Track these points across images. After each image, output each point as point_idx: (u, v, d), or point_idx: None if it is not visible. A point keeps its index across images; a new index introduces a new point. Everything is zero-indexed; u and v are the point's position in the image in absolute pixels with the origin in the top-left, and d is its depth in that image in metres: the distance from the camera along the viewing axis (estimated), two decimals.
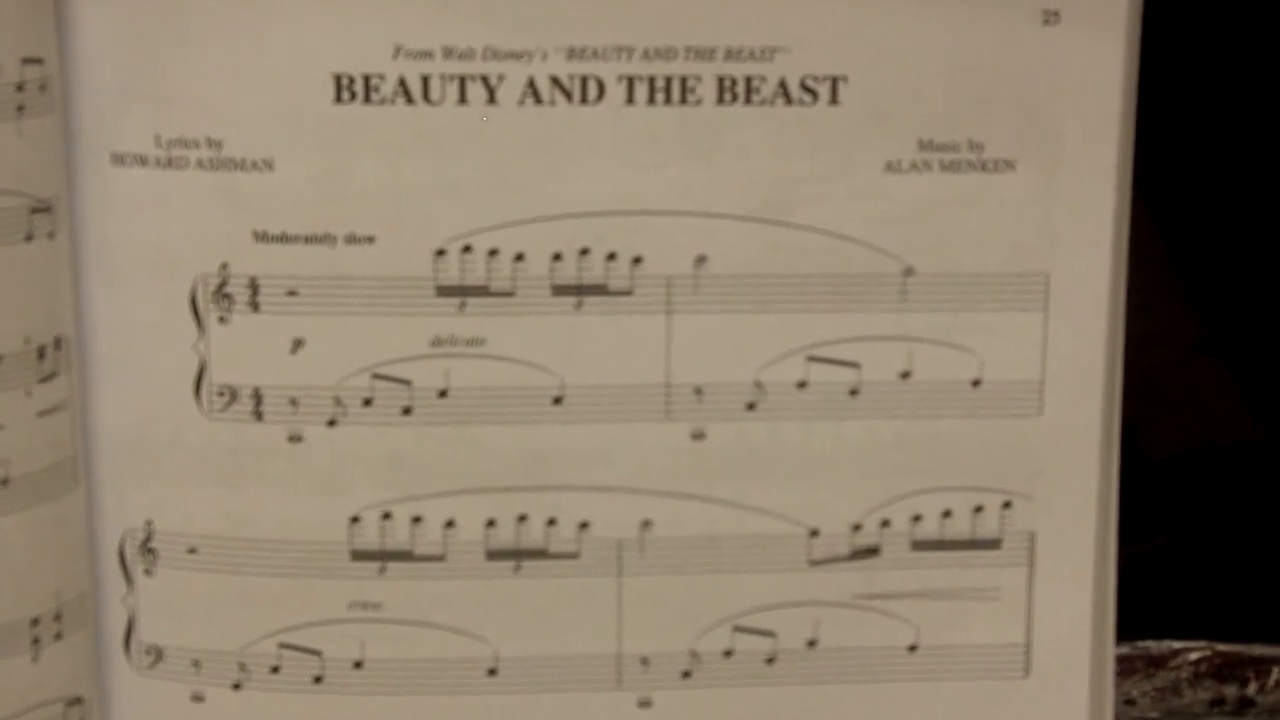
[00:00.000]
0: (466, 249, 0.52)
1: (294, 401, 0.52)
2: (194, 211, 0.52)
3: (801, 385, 0.54)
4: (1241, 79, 0.75)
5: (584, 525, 0.54)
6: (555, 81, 0.51)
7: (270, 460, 0.53)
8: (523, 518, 0.53)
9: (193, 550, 0.53)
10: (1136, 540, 0.62)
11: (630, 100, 0.52)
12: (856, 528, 0.54)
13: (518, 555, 0.54)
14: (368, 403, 0.53)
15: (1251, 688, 0.63)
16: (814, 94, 0.52)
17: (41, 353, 0.52)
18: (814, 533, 0.54)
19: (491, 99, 0.51)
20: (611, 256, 0.52)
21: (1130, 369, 0.55)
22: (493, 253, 0.52)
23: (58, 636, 0.53)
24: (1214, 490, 0.73)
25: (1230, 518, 0.72)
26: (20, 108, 0.50)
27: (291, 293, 0.52)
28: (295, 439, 0.53)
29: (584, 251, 0.52)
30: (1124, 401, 0.55)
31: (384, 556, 0.53)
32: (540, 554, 0.54)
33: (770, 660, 0.55)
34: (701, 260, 0.53)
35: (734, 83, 0.52)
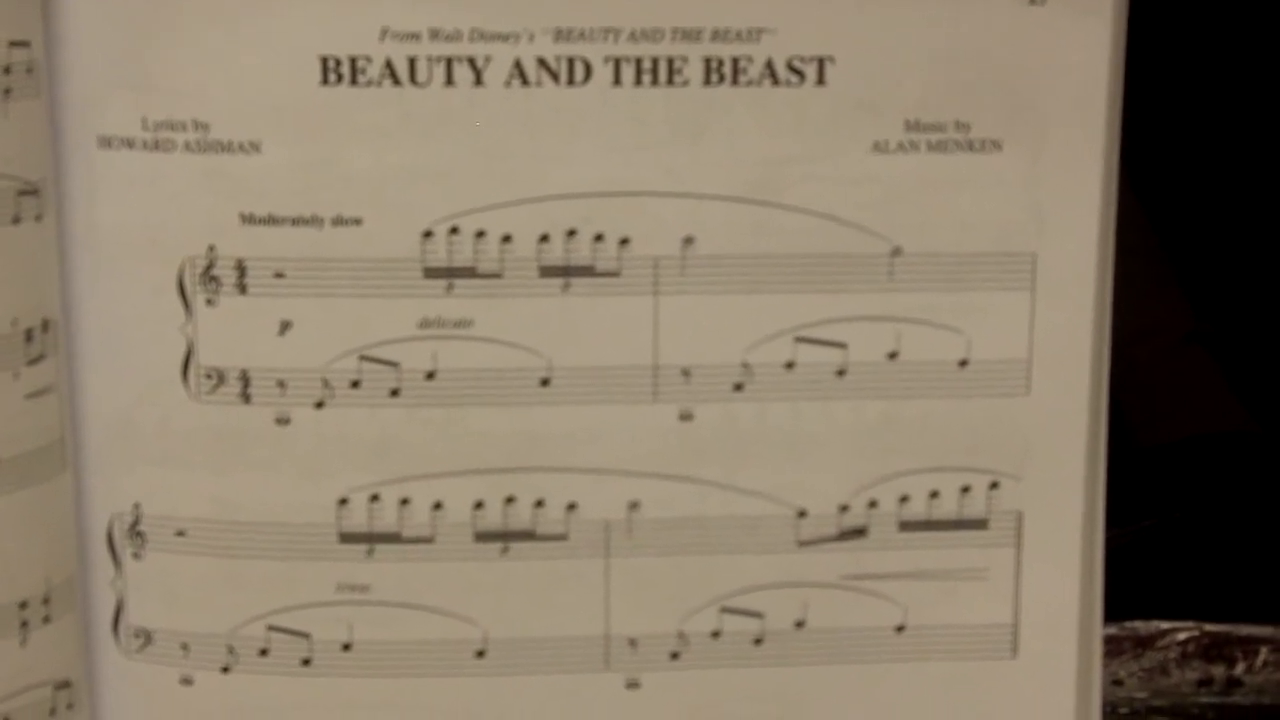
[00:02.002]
0: (454, 230, 0.52)
1: (281, 384, 0.52)
2: (181, 194, 0.52)
3: (789, 366, 0.54)
4: (1234, 74, 0.76)
5: (572, 507, 0.54)
6: (542, 63, 0.51)
7: (258, 443, 0.53)
8: (510, 499, 0.53)
9: (181, 533, 0.53)
10: (1126, 521, 0.62)
11: (617, 82, 0.52)
12: (844, 508, 0.54)
13: (506, 537, 0.54)
14: (355, 385, 0.53)
15: (1239, 668, 0.63)
16: (801, 75, 0.52)
17: (29, 335, 0.52)
18: (801, 513, 0.54)
19: (478, 81, 0.51)
20: (599, 238, 0.52)
21: (1124, 357, 0.55)
22: (480, 234, 0.52)
23: (46, 620, 0.53)
24: (1203, 474, 0.73)
25: (1219, 500, 0.72)
26: (7, 91, 0.50)
27: (279, 275, 0.52)
28: (283, 421, 0.53)
29: (571, 233, 0.52)
30: (1117, 388, 0.55)
31: (372, 539, 0.53)
32: (528, 536, 0.54)
33: (758, 641, 0.55)
34: (689, 241, 0.53)
35: (721, 64, 0.52)
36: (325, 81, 0.51)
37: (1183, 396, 0.79)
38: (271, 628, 0.54)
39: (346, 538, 0.53)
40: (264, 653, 0.54)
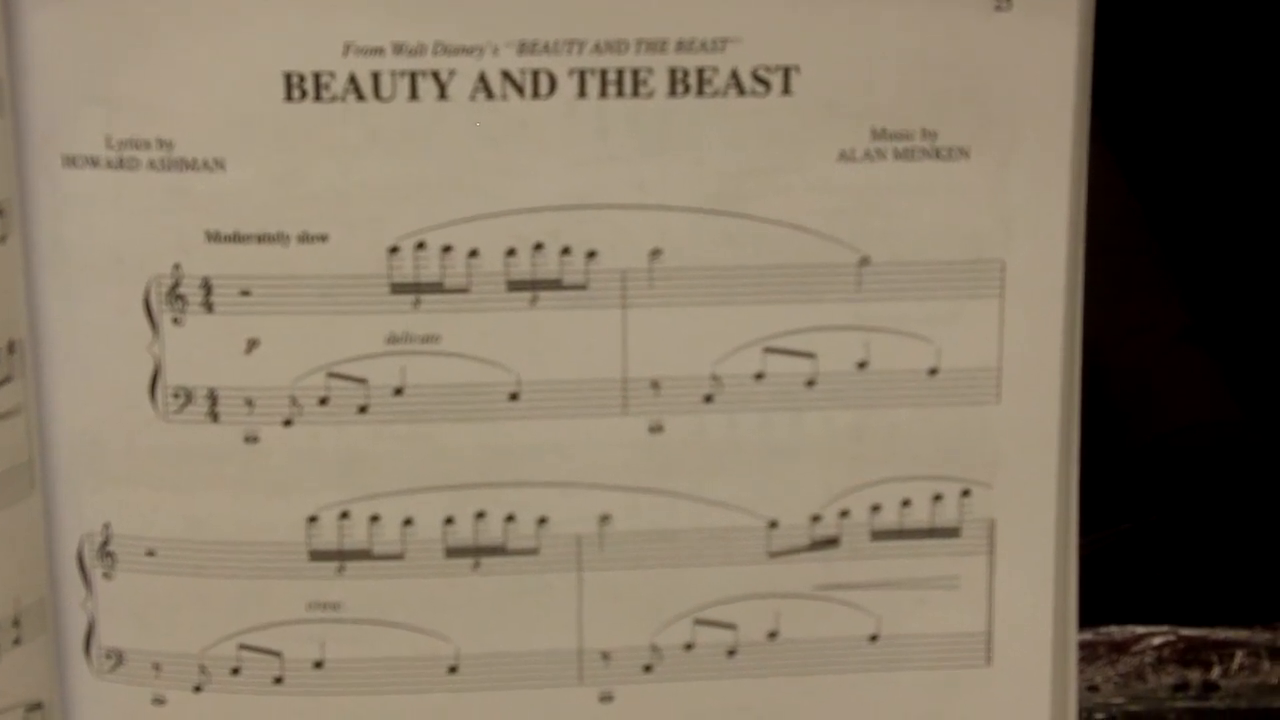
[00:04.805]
0: (420, 246, 0.52)
1: (249, 402, 0.52)
2: (146, 212, 0.51)
3: (758, 377, 0.53)
4: (1232, 75, 0.76)
5: (542, 521, 0.54)
6: (506, 76, 0.51)
7: (227, 461, 0.53)
8: (481, 514, 0.53)
9: (151, 553, 0.53)
10: (1100, 526, 0.62)
11: (582, 94, 0.52)
12: (815, 519, 0.54)
13: (477, 552, 0.54)
14: (323, 402, 0.52)
15: (1215, 672, 0.63)
16: (766, 84, 0.52)
17: None
18: (773, 524, 0.54)
19: (443, 95, 0.51)
20: (566, 251, 0.52)
21: (1116, 353, 0.55)
22: (446, 249, 0.52)
23: (16, 642, 0.53)
24: (1178, 476, 0.73)
25: (1196, 503, 0.72)
26: None
27: (245, 293, 0.52)
28: (251, 440, 0.52)
29: (538, 246, 0.52)
30: (1109, 385, 0.55)
31: (342, 556, 0.53)
32: (499, 550, 0.54)
33: (731, 653, 0.55)
34: (656, 253, 0.53)
35: (686, 74, 0.52)
36: (289, 98, 0.51)
37: (1175, 393, 0.79)
38: (243, 646, 0.54)
39: (317, 555, 0.53)
40: (236, 672, 0.54)
